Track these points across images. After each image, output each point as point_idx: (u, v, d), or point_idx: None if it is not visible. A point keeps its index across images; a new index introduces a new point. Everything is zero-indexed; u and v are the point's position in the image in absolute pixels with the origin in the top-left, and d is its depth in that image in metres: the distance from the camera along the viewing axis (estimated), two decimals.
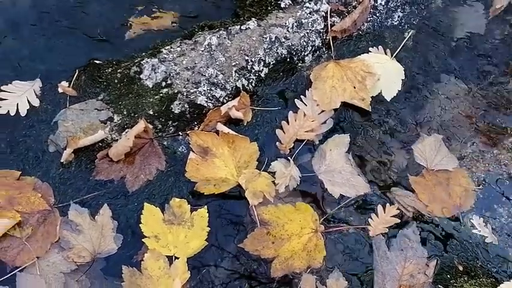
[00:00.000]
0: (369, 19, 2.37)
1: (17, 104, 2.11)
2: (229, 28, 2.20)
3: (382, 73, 2.22)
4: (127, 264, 1.88)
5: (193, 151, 2.04)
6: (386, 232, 2.03)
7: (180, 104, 2.09)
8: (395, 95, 2.22)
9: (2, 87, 2.13)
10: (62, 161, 2.03)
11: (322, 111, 2.14)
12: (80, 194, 2.01)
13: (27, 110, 2.12)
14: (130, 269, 1.86)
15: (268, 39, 2.18)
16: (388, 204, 2.04)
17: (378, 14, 2.38)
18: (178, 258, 1.89)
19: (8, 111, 2.10)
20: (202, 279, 1.93)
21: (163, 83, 2.10)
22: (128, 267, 1.86)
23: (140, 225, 1.91)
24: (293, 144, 2.11)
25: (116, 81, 2.14)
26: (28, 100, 2.13)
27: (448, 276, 1.98)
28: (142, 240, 1.91)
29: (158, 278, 1.84)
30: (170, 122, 2.10)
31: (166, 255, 1.90)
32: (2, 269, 1.87)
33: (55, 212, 1.96)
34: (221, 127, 2.07)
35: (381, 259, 1.96)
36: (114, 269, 1.91)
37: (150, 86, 2.10)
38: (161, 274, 1.85)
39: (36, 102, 2.13)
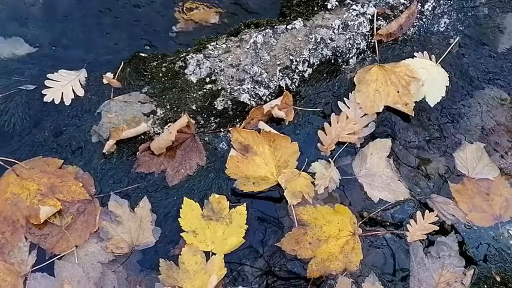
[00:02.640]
0: (415, 24, 2.35)
1: (62, 92, 2.12)
2: (275, 27, 2.20)
3: (427, 79, 2.21)
4: (164, 257, 1.86)
5: (234, 148, 2.04)
6: (424, 239, 1.99)
7: (223, 100, 2.09)
8: (438, 101, 2.19)
9: (48, 75, 2.14)
10: (104, 151, 2.04)
11: (365, 114, 2.13)
12: (121, 185, 2.02)
13: (72, 99, 2.12)
14: (168, 263, 1.87)
15: (313, 39, 2.18)
16: (427, 211, 2.01)
17: (424, 20, 2.37)
18: (215, 254, 1.88)
19: (53, 99, 2.10)
20: (237, 276, 1.92)
21: (208, 79, 2.10)
22: (166, 260, 1.86)
23: (179, 219, 1.92)
24: (334, 146, 2.09)
25: (160, 75, 2.15)
26: (73, 89, 2.14)
27: (485, 286, 1.96)
28: (180, 234, 1.89)
29: (195, 272, 1.85)
30: (212, 118, 2.10)
31: (204, 251, 1.89)
32: (41, 256, 1.89)
33: (95, 202, 1.97)
34: (263, 125, 2.07)
35: (418, 265, 1.95)
36: (150, 262, 1.90)
37: (194, 82, 2.11)
38: (198, 269, 1.85)
39: (81, 92, 2.15)
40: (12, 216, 1.90)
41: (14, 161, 1.99)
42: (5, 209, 1.91)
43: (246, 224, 1.95)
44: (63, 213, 1.93)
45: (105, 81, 2.15)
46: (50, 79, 2.14)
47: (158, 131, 2.06)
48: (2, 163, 1.98)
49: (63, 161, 2.02)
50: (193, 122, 2.07)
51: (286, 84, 2.15)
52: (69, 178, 1.98)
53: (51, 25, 2.33)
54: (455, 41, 2.37)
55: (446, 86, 2.24)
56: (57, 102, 2.11)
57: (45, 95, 2.12)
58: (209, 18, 2.44)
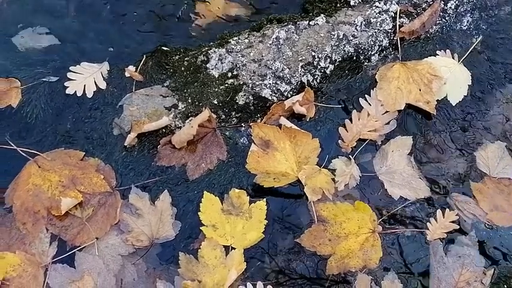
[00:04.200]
0: (437, 22, 2.34)
1: (84, 85, 2.13)
2: (298, 23, 2.20)
3: (449, 77, 2.20)
4: (184, 251, 1.87)
5: (254, 143, 2.04)
6: (444, 237, 1.98)
7: (244, 95, 2.09)
8: (460, 99, 2.18)
9: (70, 68, 2.15)
10: (125, 144, 2.05)
11: (386, 111, 2.13)
12: (141, 178, 2.03)
13: (94, 91, 2.13)
14: (187, 256, 1.87)
15: (336, 36, 2.17)
16: (447, 210, 2.00)
17: (447, 18, 2.36)
18: (234, 248, 1.88)
19: (75, 91, 2.11)
20: (255, 271, 1.92)
21: (229, 74, 2.10)
22: (185, 254, 1.86)
23: (199, 213, 1.92)
24: (355, 143, 2.09)
25: (182, 68, 2.16)
26: (95, 82, 2.15)
27: (505, 286, 1.96)
28: (200, 228, 1.90)
29: (214, 267, 1.85)
30: (233, 113, 2.10)
31: (223, 245, 1.89)
32: (62, 247, 1.90)
33: (116, 194, 1.97)
34: (284, 121, 2.07)
35: (437, 264, 1.95)
36: (170, 255, 1.92)
37: (216, 76, 2.11)
38: (217, 263, 1.85)
39: (103, 85, 2.15)
40: (33, 207, 1.91)
41: (35, 152, 2.00)
42: (27, 200, 1.92)
43: (265, 219, 1.92)
44: (84, 205, 1.94)
45: (127, 74, 2.17)
46: (72, 71, 2.16)
47: (179, 125, 2.07)
48: (24, 154, 2.00)
49: (84, 153, 2.04)
50: (215, 116, 2.07)
51: (307, 80, 2.15)
52: (91, 170, 1.98)
53: (74, 17, 2.32)
54: (478, 39, 2.36)
55: (469, 85, 2.22)
56: (79, 94, 2.13)
57: (68, 87, 2.11)
58: (230, 12, 2.42)
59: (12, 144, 2.01)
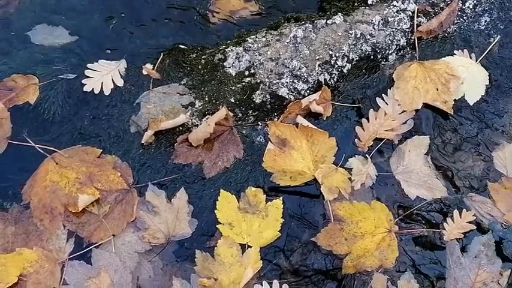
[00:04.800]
0: (455, 22, 2.33)
1: (102, 82, 2.13)
2: (315, 22, 2.19)
3: (466, 77, 2.20)
4: (200, 249, 1.87)
5: (271, 142, 2.04)
6: (461, 237, 1.98)
7: (261, 94, 2.09)
8: (478, 99, 2.18)
9: (88, 65, 2.15)
10: (142, 142, 2.05)
11: (403, 111, 2.12)
12: (158, 176, 2.03)
13: (111, 89, 2.14)
14: (204, 254, 1.87)
15: (353, 35, 2.17)
16: (464, 210, 1.99)
17: (464, 17, 2.35)
18: (251, 247, 1.88)
19: (93, 89, 2.12)
20: (270, 269, 1.92)
21: (247, 72, 2.10)
22: (202, 252, 1.87)
23: (215, 211, 1.92)
24: (372, 143, 2.08)
25: (199, 67, 2.16)
26: (113, 80, 2.15)
27: None
28: (217, 226, 1.90)
29: (230, 265, 1.85)
30: (250, 111, 2.10)
31: (240, 243, 1.89)
32: (79, 243, 1.91)
33: (133, 191, 1.98)
34: (301, 120, 2.07)
35: (454, 264, 1.94)
36: (186, 253, 1.93)
37: (233, 74, 2.11)
38: (233, 261, 1.86)
39: (120, 82, 2.16)
40: (51, 203, 1.92)
41: (53, 149, 2.01)
42: (44, 197, 1.92)
43: (281, 217, 1.92)
44: (101, 202, 1.95)
45: (144, 72, 2.17)
46: (90, 69, 2.16)
47: (196, 123, 2.07)
48: (41, 151, 2.00)
49: (101, 150, 2.04)
50: (232, 114, 2.07)
51: (325, 79, 2.15)
52: (108, 167, 1.99)
53: (91, 15, 2.33)
54: (496, 39, 2.35)
55: (486, 85, 2.22)
56: (96, 91, 2.13)
57: (85, 84, 2.12)
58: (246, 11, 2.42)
59: (30, 141, 2.01)
